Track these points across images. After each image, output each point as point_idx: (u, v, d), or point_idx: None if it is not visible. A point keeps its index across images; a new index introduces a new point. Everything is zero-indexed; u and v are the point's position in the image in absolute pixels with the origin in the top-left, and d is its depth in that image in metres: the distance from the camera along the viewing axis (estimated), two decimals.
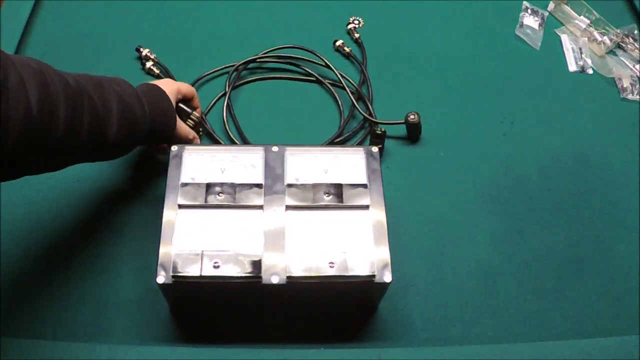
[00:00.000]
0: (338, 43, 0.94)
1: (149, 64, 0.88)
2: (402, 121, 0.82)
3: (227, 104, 0.85)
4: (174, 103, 0.71)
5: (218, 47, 0.94)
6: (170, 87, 0.71)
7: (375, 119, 0.84)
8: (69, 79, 0.55)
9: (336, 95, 0.89)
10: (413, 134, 0.84)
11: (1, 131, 0.46)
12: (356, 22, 0.98)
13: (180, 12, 0.98)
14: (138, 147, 0.74)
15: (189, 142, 0.73)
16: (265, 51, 0.91)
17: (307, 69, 0.91)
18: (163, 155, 0.77)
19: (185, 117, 0.75)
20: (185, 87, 0.75)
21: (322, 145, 0.82)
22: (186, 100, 0.75)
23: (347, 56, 0.94)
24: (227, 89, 0.86)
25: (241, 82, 0.90)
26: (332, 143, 0.82)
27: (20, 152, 0.49)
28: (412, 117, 0.82)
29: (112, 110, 0.59)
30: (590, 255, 0.76)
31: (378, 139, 0.80)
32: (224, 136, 0.83)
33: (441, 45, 0.96)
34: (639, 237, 0.77)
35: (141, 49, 0.90)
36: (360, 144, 0.84)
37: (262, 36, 0.95)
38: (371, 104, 0.87)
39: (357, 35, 0.96)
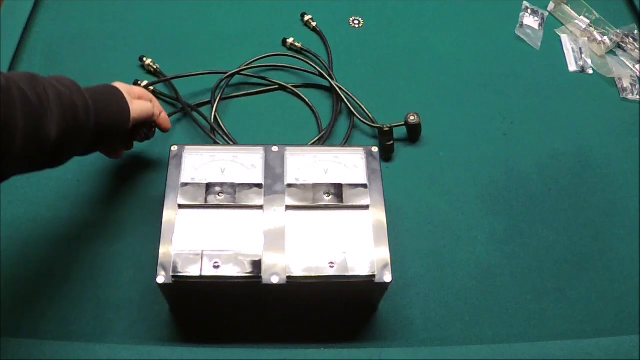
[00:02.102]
0: (289, 41, 0.93)
1: (144, 83, 0.86)
2: (402, 123, 0.82)
3: (214, 115, 0.84)
4: (128, 100, 0.65)
5: (220, 47, 0.93)
6: (124, 86, 0.67)
7: (374, 121, 0.84)
8: None
9: (306, 100, 0.89)
10: (413, 134, 0.84)
11: None
12: (356, 22, 0.99)
13: (182, 12, 0.98)
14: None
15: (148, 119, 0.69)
16: (255, 59, 0.90)
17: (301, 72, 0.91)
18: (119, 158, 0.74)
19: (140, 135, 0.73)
20: (138, 89, 0.70)
21: (321, 145, 0.82)
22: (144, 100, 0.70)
23: (300, 51, 0.93)
24: (212, 103, 0.85)
25: (229, 96, 0.89)
26: (320, 140, 0.83)
27: None
28: (412, 118, 0.82)
29: (49, 104, 0.53)
30: (590, 255, 0.76)
31: (386, 136, 0.81)
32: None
33: (441, 45, 0.96)
34: (639, 237, 0.77)
35: (144, 59, 0.89)
36: (347, 139, 0.84)
37: (262, 36, 0.95)
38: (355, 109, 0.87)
39: (314, 24, 0.96)
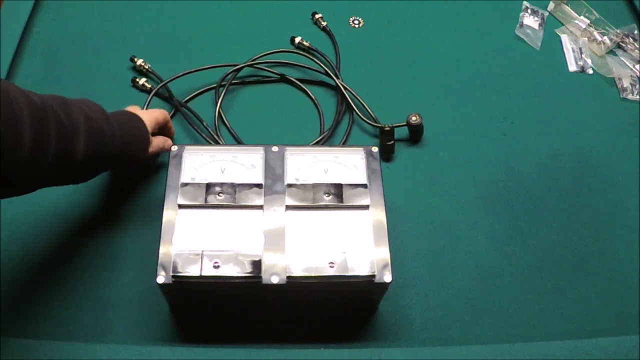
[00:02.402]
0: (297, 40, 0.93)
1: (141, 81, 0.87)
2: (404, 123, 0.82)
3: (219, 112, 0.84)
4: (150, 130, 0.70)
5: (218, 47, 0.93)
6: (147, 115, 0.71)
7: (377, 121, 0.84)
8: (33, 97, 0.52)
9: (312, 97, 0.89)
10: (415, 135, 0.84)
11: None
12: (356, 22, 0.99)
13: (183, 12, 0.98)
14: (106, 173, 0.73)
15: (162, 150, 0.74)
16: (260, 55, 0.90)
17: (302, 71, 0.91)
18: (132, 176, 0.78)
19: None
20: (161, 114, 0.74)
21: (321, 145, 0.82)
22: (161, 127, 0.75)
23: (308, 50, 0.93)
24: (217, 100, 0.85)
25: (236, 82, 0.90)
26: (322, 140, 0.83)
27: None
28: (413, 118, 0.82)
29: (79, 128, 0.56)
30: (590, 255, 0.76)
31: (387, 136, 0.81)
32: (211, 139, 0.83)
33: (441, 45, 0.96)
34: (639, 237, 0.77)
35: (135, 59, 0.89)
36: (346, 138, 0.84)
37: (261, 37, 0.95)
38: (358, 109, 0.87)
39: (324, 24, 0.96)
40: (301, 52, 0.92)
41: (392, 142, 0.82)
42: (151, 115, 0.72)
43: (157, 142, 0.72)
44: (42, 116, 0.51)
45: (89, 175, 0.63)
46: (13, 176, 0.50)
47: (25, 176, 0.52)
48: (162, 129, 0.75)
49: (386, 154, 0.82)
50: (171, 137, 0.79)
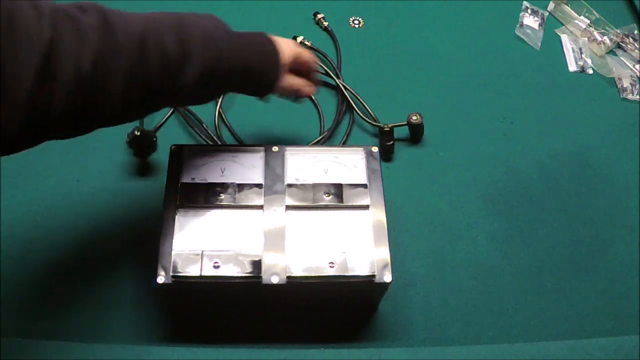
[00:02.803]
0: (299, 40, 0.93)
1: None
2: (404, 123, 0.82)
3: (219, 112, 0.84)
4: (286, 61, 0.63)
5: None
6: (286, 45, 0.64)
7: (377, 121, 0.84)
8: (135, 27, 0.49)
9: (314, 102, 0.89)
10: (416, 135, 0.84)
11: (48, 97, 0.43)
12: (356, 22, 0.99)
13: (184, 10, 0.98)
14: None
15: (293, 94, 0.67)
16: None
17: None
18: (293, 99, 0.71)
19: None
20: (305, 52, 0.67)
21: (321, 145, 0.82)
22: (302, 66, 0.67)
23: (309, 50, 0.93)
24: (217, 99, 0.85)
25: None
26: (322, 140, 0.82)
27: (70, 111, 0.45)
28: (414, 117, 0.81)
29: (191, 50, 0.52)
30: (590, 255, 0.76)
31: (386, 135, 0.81)
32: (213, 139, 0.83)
33: (441, 45, 0.96)
34: (639, 237, 0.77)
35: None
36: (346, 138, 0.84)
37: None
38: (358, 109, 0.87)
39: (325, 24, 0.96)
40: None
41: (391, 142, 0.82)
42: (290, 48, 0.64)
43: (293, 81, 0.65)
44: (142, 49, 0.49)
45: (207, 95, 0.59)
46: (104, 111, 0.49)
47: (120, 110, 0.50)
48: (305, 72, 0.69)
49: (386, 154, 0.82)
50: (314, 84, 0.71)
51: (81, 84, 0.45)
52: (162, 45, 0.50)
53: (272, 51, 0.62)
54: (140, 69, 0.49)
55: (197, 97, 0.59)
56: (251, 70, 0.60)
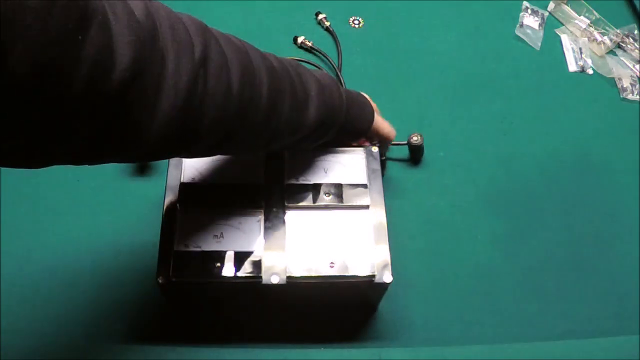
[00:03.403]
0: (300, 40, 0.93)
1: None
2: (404, 142, 0.80)
3: None
4: (375, 112, 0.68)
5: None
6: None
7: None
8: (270, 58, 0.52)
9: None
10: (415, 155, 0.82)
11: (198, 113, 0.42)
12: (356, 22, 0.99)
13: (185, 11, 0.98)
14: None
15: (386, 139, 0.71)
16: None
17: None
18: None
19: None
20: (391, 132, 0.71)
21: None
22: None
23: (310, 50, 0.93)
24: None
25: None
26: None
27: (217, 133, 0.46)
28: (415, 138, 0.80)
29: (311, 93, 0.55)
30: (590, 255, 0.76)
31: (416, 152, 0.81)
32: None
33: (441, 46, 0.96)
34: (639, 237, 0.77)
35: None
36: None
37: (261, 36, 0.95)
38: None
39: (327, 24, 0.96)
40: (304, 53, 0.92)
41: (382, 158, 0.75)
42: (383, 122, 0.70)
43: (384, 125, 0.70)
44: (279, 77, 0.51)
45: (315, 140, 0.61)
46: (246, 135, 0.49)
47: (258, 136, 0.51)
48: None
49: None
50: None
51: (228, 104, 0.44)
52: (290, 77, 0.52)
53: (368, 102, 0.68)
54: (276, 97, 0.50)
55: (308, 141, 0.60)
56: (356, 116, 0.64)
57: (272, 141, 0.54)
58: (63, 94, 0.31)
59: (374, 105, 0.69)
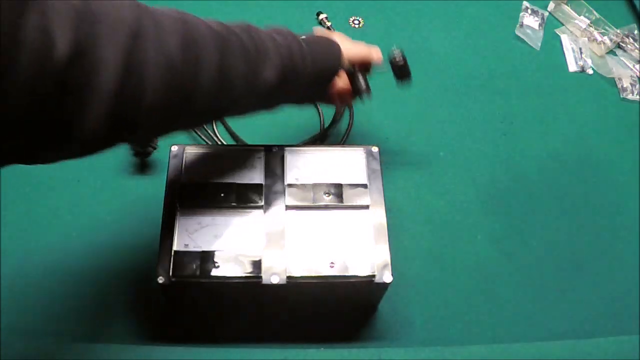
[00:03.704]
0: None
1: None
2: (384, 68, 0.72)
3: None
4: (339, 42, 0.63)
5: None
6: (346, 44, 0.65)
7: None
8: (213, 24, 0.50)
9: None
10: (401, 73, 0.73)
11: (139, 85, 0.40)
12: (356, 22, 0.99)
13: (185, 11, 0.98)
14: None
15: (367, 61, 0.67)
16: None
17: None
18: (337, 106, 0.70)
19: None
20: (369, 53, 0.67)
21: (321, 144, 0.82)
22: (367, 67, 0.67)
23: None
24: None
25: None
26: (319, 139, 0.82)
27: (162, 106, 0.43)
28: (395, 53, 0.72)
29: (267, 51, 0.53)
30: (590, 255, 0.76)
31: (400, 70, 0.73)
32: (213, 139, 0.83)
33: (441, 45, 0.96)
34: (639, 237, 0.77)
35: None
36: (346, 137, 0.83)
37: None
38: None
39: (328, 24, 0.96)
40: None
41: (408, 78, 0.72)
42: (352, 48, 0.65)
43: (358, 48, 0.66)
44: (225, 41, 0.49)
45: (280, 99, 0.59)
46: (202, 107, 0.47)
47: (213, 106, 0.50)
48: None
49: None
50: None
51: (172, 73, 0.43)
52: (240, 39, 0.50)
53: (336, 52, 0.63)
54: (225, 58, 0.48)
55: (279, 100, 0.59)
56: (324, 68, 0.61)
57: (234, 104, 0.52)
58: (3, 78, 0.31)
59: (340, 35, 0.66)
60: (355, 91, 0.67)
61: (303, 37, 0.60)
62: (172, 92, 0.43)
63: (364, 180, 0.65)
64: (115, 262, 0.71)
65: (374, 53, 0.69)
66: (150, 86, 0.41)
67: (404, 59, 0.72)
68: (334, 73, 0.64)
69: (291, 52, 0.56)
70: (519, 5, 1.01)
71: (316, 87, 0.63)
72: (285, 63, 0.54)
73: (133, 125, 0.43)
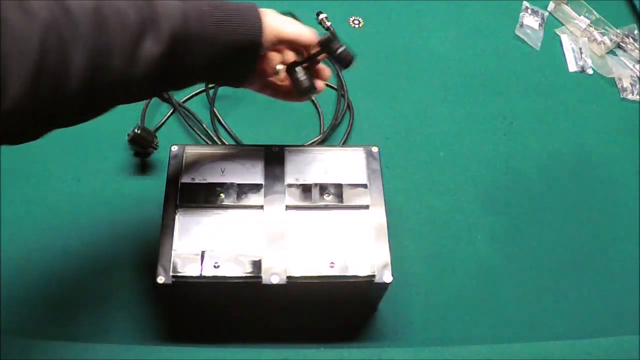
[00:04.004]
0: None
1: None
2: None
3: (214, 111, 0.84)
4: (269, 39, 0.53)
5: None
6: (273, 19, 0.53)
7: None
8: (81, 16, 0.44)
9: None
10: (341, 59, 0.60)
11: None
12: (356, 22, 0.99)
13: None
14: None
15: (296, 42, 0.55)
16: None
17: None
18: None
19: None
20: (302, 35, 0.55)
21: (321, 145, 0.82)
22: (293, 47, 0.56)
23: None
24: (209, 100, 0.86)
25: None
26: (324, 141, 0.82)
27: (31, 94, 0.41)
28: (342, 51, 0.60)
29: (153, 14, 0.46)
30: (590, 255, 0.76)
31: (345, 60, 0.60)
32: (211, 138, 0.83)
33: (441, 46, 0.96)
34: (639, 237, 0.77)
35: None
36: (346, 138, 0.83)
37: None
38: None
39: (328, 24, 0.96)
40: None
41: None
42: (280, 24, 0.54)
43: (283, 21, 0.54)
44: (97, 19, 0.43)
45: (177, 76, 0.50)
46: (76, 93, 0.43)
47: (90, 91, 0.44)
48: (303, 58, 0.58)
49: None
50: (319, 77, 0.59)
51: (39, 59, 0.40)
52: (120, 12, 0.45)
53: (252, 24, 0.52)
54: (99, 35, 0.43)
55: (170, 77, 0.49)
56: (236, 40, 0.51)
57: (118, 86, 0.46)
58: None
59: (272, 11, 0.54)
60: (295, 85, 0.57)
61: (217, 2, 0.51)
62: (41, 79, 0.41)
63: (364, 180, 0.65)
64: (115, 262, 0.71)
65: (305, 34, 0.56)
66: (13, 77, 0.39)
67: (346, 52, 0.60)
68: (253, 48, 0.52)
69: (186, 18, 0.48)
70: (519, 5, 1.01)
71: (231, 64, 0.53)
72: (177, 31, 0.47)
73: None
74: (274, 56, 0.56)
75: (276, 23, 0.53)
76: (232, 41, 0.51)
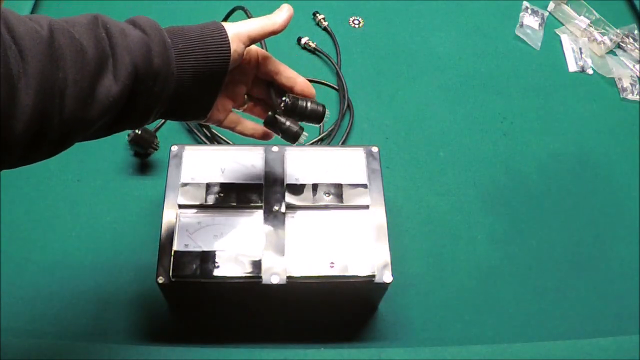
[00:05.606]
0: (303, 41, 0.93)
1: None
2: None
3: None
4: (237, 50, 0.50)
5: None
6: (234, 28, 0.51)
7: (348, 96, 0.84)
8: (44, 23, 0.41)
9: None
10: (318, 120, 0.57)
11: None
12: (356, 22, 0.99)
13: (184, 11, 0.98)
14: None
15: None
16: None
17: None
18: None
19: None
20: (260, 26, 0.53)
21: (321, 145, 0.82)
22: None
23: (314, 51, 0.94)
24: None
25: None
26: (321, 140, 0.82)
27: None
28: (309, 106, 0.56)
29: (112, 47, 0.43)
30: (590, 255, 0.76)
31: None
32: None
33: (441, 46, 0.96)
34: (639, 237, 0.77)
35: None
36: (346, 138, 0.83)
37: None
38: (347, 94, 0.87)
39: (325, 24, 0.97)
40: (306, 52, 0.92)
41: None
42: (245, 24, 0.52)
43: (248, 24, 0.52)
44: (50, 51, 0.40)
45: (139, 112, 0.46)
46: (23, 132, 0.38)
47: (41, 129, 0.39)
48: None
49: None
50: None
51: None
52: (75, 44, 0.41)
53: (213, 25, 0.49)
54: (51, 71, 0.39)
55: (131, 113, 0.45)
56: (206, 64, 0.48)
57: (73, 122, 0.41)
58: None
59: (228, 25, 0.51)
60: (284, 134, 0.55)
61: (173, 28, 0.48)
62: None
63: (364, 180, 0.65)
64: (115, 262, 0.71)
65: (267, 22, 0.54)
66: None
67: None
68: (221, 71, 0.49)
69: (148, 51, 0.44)
70: (519, 5, 1.01)
71: (197, 96, 0.49)
72: (139, 68, 0.44)
73: None
74: (240, 86, 0.56)
75: (239, 30, 0.51)
76: (200, 72, 0.48)
